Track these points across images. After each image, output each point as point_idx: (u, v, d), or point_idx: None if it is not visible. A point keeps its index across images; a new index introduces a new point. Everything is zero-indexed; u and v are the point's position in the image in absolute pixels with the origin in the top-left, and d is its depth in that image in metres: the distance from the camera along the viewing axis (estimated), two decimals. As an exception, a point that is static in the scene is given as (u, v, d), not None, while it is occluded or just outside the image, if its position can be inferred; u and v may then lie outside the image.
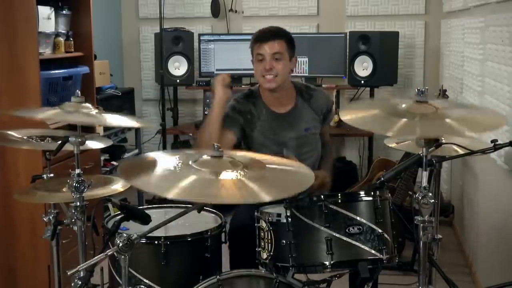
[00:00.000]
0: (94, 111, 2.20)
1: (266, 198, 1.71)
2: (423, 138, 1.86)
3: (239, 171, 1.79)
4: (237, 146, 2.75)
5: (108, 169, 4.23)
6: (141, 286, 2.17)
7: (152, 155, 2.00)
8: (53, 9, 3.58)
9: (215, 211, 2.49)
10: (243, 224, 2.39)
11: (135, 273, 2.17)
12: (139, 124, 2.79)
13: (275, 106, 2.72)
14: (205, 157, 1.88)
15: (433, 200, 1.85)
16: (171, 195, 1.65)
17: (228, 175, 1.77)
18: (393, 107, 1.93)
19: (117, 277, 2.22)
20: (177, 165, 1.86)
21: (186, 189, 1.70)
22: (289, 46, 2.69)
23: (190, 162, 1.83)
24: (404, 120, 1.83)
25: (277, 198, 1.78)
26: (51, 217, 2.40)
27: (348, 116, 1.96)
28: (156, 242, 2.17)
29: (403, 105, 1.92)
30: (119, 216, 1.91)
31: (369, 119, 1.95)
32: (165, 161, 1.94)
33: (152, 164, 1.91)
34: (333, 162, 2.73)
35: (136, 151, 4.85)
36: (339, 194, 2.11)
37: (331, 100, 2.84)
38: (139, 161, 2.12)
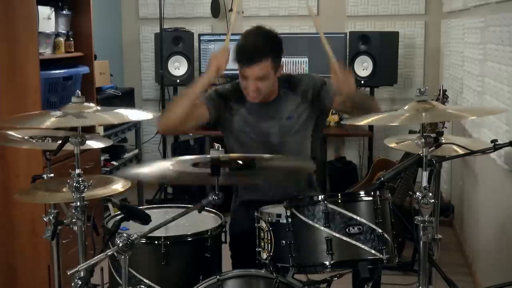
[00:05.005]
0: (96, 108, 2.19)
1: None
2: (427, 123, 1.98)
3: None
4: (205, 128, 2.68)
5: (108, 169, 4.23)
6: (141, 286, 2.17)
7: None
8: (53, 9, 3.58)
9: (215, 211, 2.49)
10: (243, 226, 2.38)
11: (135, 273, 2.17)
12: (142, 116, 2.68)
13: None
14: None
15: (433, 200, 1.85)
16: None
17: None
18: (395, 114, 2.00)
19: (117, 277, 2.22)
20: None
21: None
22: (275, 61, 2.49)
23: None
24: (408, 114, 1.90)
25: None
26: (51, 217, 2.40)
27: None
28: (156, 242, 2.17)
29: (405, 108, 1.98)
30: (119, 216, 1.91)
31: (374, 120, 2.08)
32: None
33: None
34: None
35: (136, 151, 4.85)
36: (339, 194, 2.10)
37: (320, 79, 2.63)
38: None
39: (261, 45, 2.48)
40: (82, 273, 1.82)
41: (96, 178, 2.47)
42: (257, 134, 2.60)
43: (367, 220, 2.05)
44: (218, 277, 2.02)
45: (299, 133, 2.64)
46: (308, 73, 2.72)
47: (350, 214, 2.05)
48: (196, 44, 5.20)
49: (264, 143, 2.58)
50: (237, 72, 2.51)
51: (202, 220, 2.40)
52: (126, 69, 5.81)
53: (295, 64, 4.93)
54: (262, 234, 2.16)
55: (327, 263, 2.02)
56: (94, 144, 2.60)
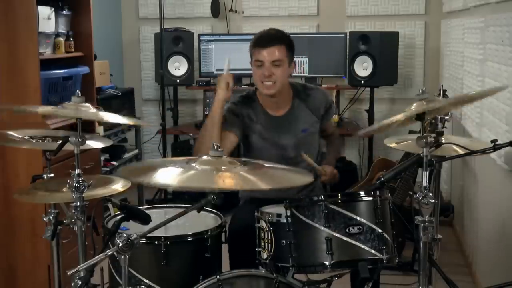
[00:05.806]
0: (93, 110, 2.20)
1: (263, 186, 1.94)
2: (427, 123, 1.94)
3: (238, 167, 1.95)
4: (237, 148, 2.75)
5: (108, 169, 4.23)
6: (141, 286, 2.17)
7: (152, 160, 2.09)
8: (53, 9, 3.58)
9: (215, 211, 2.49)
10: (243, 224, 2.39)
11: (135, 273, 2.17)
12: (136, 122, 2.78)
13: (272, 109, 2.72)
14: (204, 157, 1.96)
15: (433, 200, 1.85)
16: (175, 182, 1.89)
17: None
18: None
19: (117, 277, 2.22)
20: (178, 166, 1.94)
21: (188, 178, 1.90)
22: (289, 51, 2.65)
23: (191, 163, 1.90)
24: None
25: (274, 187, 1.99)
26: (51, 217, 2.40)
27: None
28: (156, 242, 2.17)
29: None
30: (119, 216, 1.91)
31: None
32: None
33: (153, 166, 1.97)
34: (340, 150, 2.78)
35: (136, 151, 4.85)
36: (339, 194, 2.10)
37: (330, 98, 2.83)
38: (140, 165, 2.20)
39: (278, 33, 2.67)
40: (82, 273, 1.82)
41: (96, 178, 2.47)
42: (275, 148, 2.68)
43: (367, 220, 2.05)
44: (218, 277, 2.02)
45: (312, 145, 2.75)
46: (321, 89, 2.90)
47: (350, 214, 2.05)
48: (196, 44, 5.20)
49: (282, 156, 2.66)
50: (245, 72, 2.57)
51: (202, 220, 2.41)
52: (126, 69, 5.81)
53: (295, 64, 4.92)
54: (262, 234, 2.16)
55: (327, 263, 2.02)
56: (94, 144, 2.60)
